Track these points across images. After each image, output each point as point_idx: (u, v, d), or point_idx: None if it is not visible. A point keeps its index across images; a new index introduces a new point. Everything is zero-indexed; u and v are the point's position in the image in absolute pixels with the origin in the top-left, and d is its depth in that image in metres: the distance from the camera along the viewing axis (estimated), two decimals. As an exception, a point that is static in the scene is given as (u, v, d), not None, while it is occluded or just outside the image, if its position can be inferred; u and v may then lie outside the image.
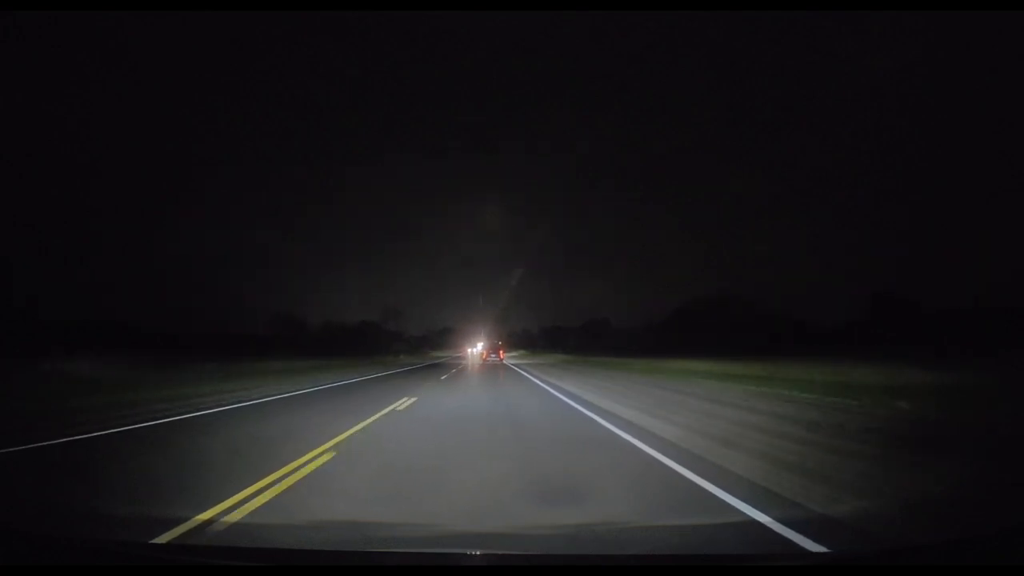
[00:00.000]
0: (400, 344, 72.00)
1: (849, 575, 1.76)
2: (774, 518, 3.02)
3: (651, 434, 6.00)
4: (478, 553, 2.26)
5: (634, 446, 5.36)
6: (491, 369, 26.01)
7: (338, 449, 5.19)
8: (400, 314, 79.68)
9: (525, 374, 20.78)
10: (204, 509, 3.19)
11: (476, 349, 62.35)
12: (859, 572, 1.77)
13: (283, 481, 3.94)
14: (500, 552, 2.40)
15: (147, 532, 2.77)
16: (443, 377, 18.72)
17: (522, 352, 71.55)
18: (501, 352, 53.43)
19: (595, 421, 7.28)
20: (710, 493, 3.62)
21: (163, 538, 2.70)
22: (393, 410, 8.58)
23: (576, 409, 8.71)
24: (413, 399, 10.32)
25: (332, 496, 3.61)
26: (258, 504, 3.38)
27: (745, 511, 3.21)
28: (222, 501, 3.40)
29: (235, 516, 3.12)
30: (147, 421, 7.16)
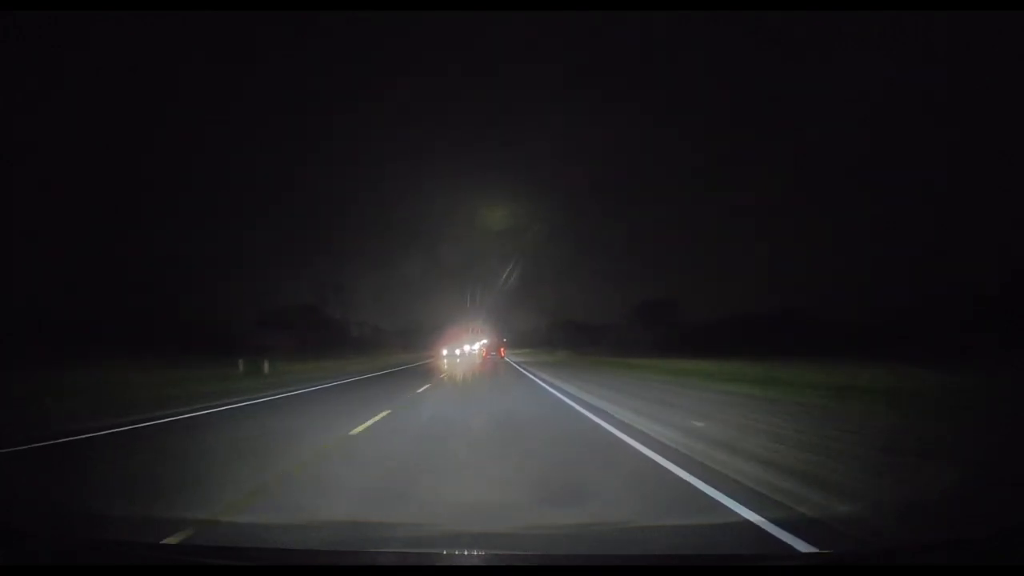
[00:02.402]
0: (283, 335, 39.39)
1: (847, 575, 1.77)
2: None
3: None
4: (477, 553, 2.27)
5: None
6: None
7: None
8: (342, 290, 55.78)
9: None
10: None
11: (471, 349, 51.62)
12: (857, 572, 1.77)
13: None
14: (499, 552, 2.40)
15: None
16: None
17: (528, 351, 61.47)
18: (502, 350, 53.01)
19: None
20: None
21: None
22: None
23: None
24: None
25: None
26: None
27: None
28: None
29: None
30: None
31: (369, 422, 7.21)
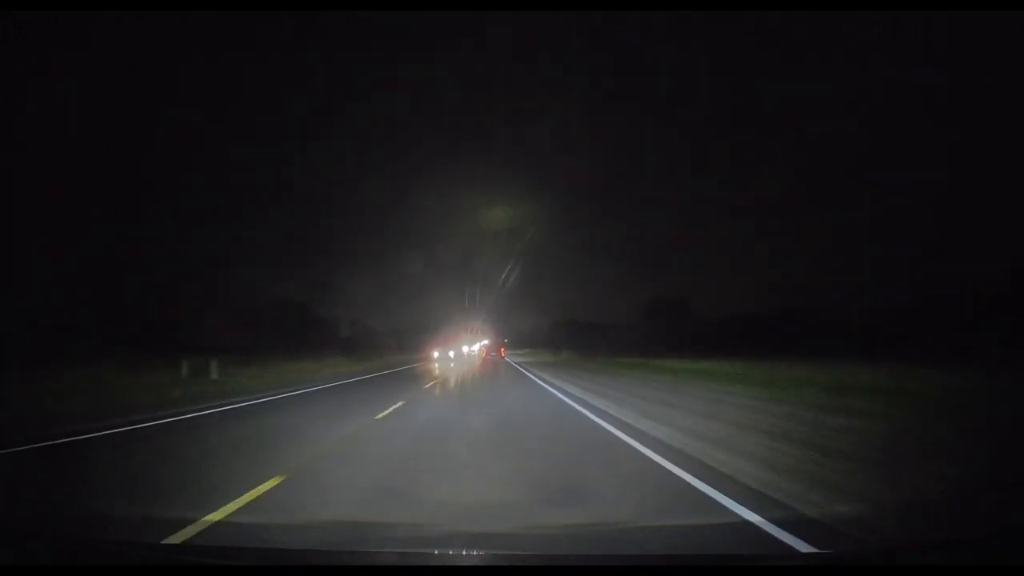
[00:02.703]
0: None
1: (847, 575, 1.76)
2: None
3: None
4: (477, 553, 2.26)
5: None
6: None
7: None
8: (330, 288, 51.79)
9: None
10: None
11: (471, 350, 49.79)
12: (857, 572, 1.77)
13: None
14: (499, 552, 2.40)
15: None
16: None
17: (529, 351, 61.16)
18: (503, 351, 53.22)
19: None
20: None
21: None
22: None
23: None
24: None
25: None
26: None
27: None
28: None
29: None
30: None
31: (244, 498, 3.49)
